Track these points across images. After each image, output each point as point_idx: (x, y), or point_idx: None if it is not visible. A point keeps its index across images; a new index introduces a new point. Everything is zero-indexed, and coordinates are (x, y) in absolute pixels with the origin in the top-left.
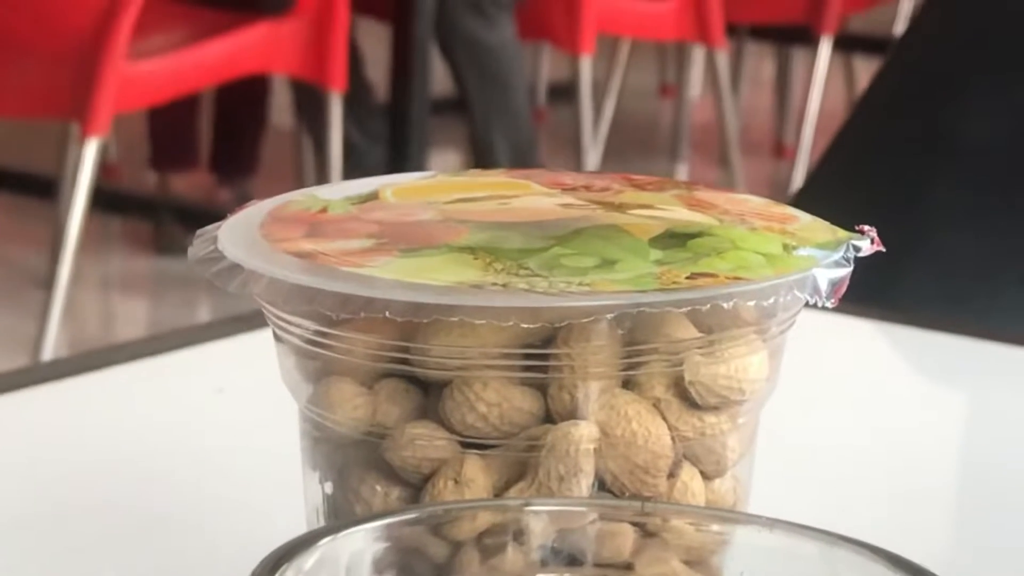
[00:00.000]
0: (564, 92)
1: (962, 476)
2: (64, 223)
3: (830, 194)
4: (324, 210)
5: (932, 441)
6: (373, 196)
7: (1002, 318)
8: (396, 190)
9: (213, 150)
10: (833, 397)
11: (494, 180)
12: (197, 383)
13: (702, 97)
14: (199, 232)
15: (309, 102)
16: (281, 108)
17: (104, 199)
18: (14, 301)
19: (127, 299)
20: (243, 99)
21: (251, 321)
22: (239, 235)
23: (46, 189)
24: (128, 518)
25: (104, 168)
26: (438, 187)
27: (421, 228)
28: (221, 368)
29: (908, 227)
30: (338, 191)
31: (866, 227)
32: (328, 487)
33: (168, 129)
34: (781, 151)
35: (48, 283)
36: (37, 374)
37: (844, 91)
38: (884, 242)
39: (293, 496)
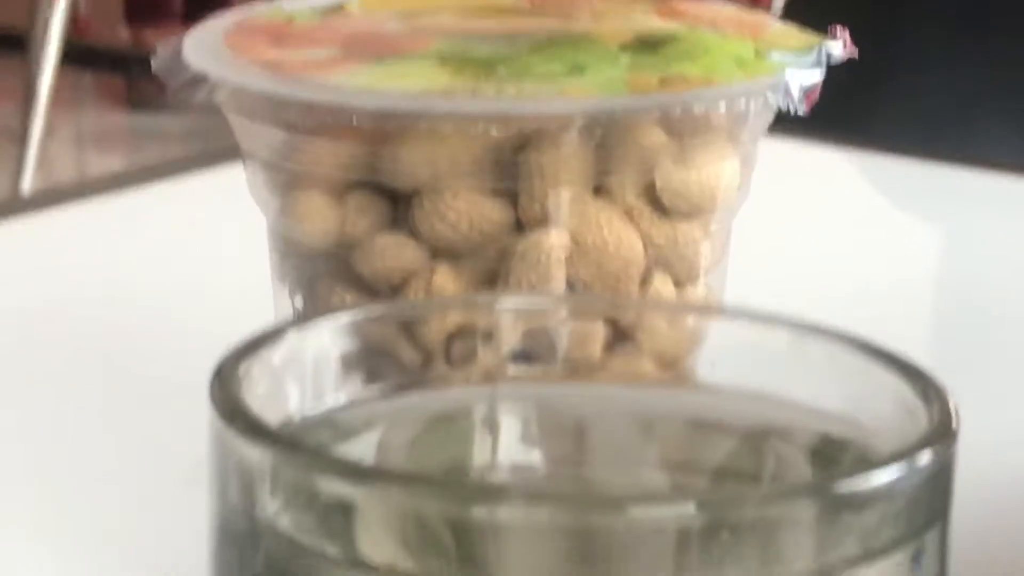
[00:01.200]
0: None
1: (935, 294)
2: (35, 78)
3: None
4: (290, 21)
5: (906, 262)
6: (339, 7)
7: (976, 151)
8: (363, 1)
9: (186, 1)
10: (806, 222)
11: None
12: (170, 216)
13: None
14: (161, 46)
15: None
16: None
17: (75, 54)
18: None
19: (100, 153)
20: None
21: (221, 156)
22: (204, 46)
23: (16, 44)
24: (100, 343)
25: (75, 22)
26: None
27: (388, 38)
28: (193, 202)
29: (881, 62)
30: (304, 2)
31: (839, 28)
32: (298, 300)
33: None
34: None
35: (21, 138)
36: (9, 208)
37: None
38: (859, 78)
39: (268, 319)
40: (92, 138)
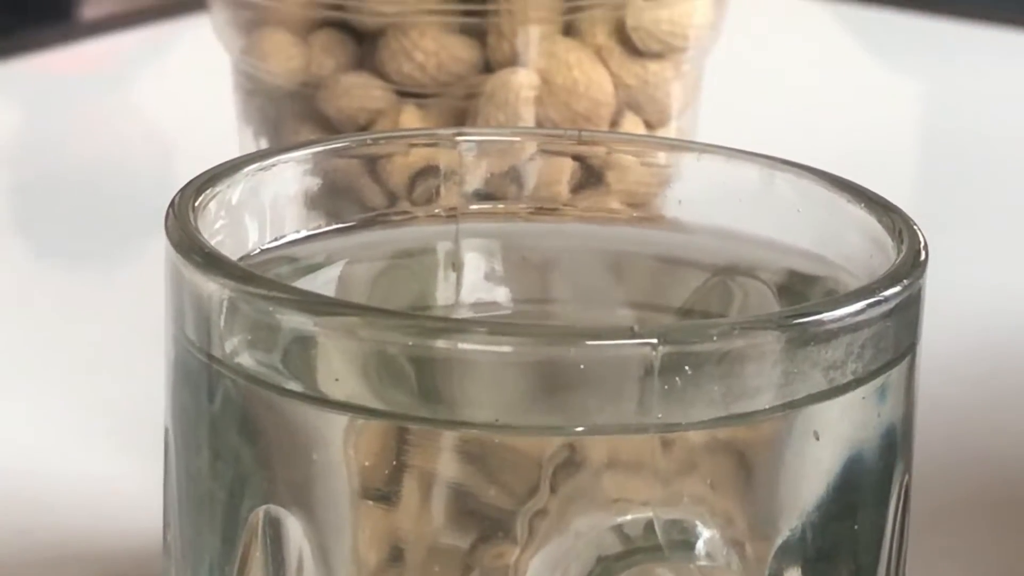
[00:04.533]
0: None
1: (917, 143)
2: None
3: None
4: None
5: (883, 111)
6: None
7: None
8: None
9: None
10: (781, 69)
11: None
12: (136, 61)
13: None
14: None
15: None
16: None
17: None
18: None
19: None
20: None
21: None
22: None
23: None
24: (61, 184)
25: None
26: None
27: None
28: (159, 49)
29: None
30: None
31: None
32: (263, 142)
33: None
34: None
35: None
36: None
37: None
38: None
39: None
40: None
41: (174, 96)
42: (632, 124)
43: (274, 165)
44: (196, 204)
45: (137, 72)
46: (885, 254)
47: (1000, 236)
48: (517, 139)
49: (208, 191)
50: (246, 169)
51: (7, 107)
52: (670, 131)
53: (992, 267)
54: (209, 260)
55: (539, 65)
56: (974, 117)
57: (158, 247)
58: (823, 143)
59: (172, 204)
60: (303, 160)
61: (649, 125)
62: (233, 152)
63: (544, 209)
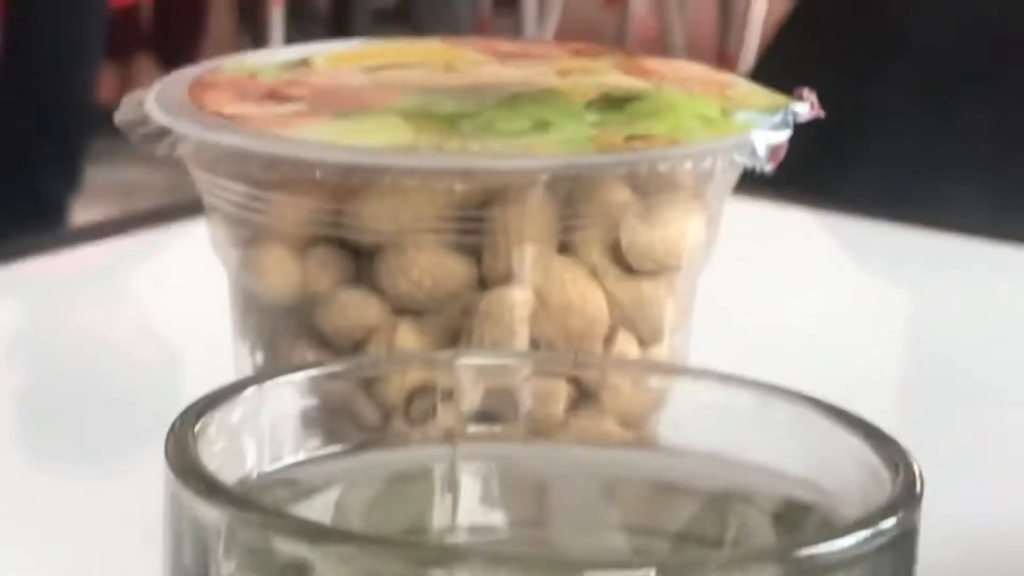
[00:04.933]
0: (508, 1)
1: (901, 356)
2: None
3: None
4: (254, 76)
5: (872, 324)
6: (304, 63)
7: (942, 214)
8: (328, 56)
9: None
10: (773, 283)
11: (428, 47)
12: (132, 271)
13: (647, 7)
14: (126, 98)
15: (249, 8)
16: (221, 14)
17: None
18: None
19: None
20: (182, 6)
21: (186, 210)
22: (167, 99)
23: None
24: (59, 394)
25: None
26: (371, 54)
27: (353, 93)
28: (157, 255)
29: (852, 126)
30: (268, 57)
31: (805, 90)
32: (259, 357)
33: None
34: (725, 60)
35: None
36: None
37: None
38: (827, 142)
39: (228, 376)
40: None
41: (169, 300)
42: (626, 342)
43: (272, 388)
44: (195, 429)
45: (132, 276)
46: (880, 484)
47: (989, 454)
48: (513, 362)
49: (207, 415)
50: (245, 392)
51: (2, 311)
52: (663, 348)
53: (979, 481)
54: (208, 486)
55: (534, 283)
56: (962, 329)
57: (153, 453)
58: (814, 356)
59: (172, 429)
60: (301, 383)
61: (643, 343)
62: (228, 363)
63: (540, 432)
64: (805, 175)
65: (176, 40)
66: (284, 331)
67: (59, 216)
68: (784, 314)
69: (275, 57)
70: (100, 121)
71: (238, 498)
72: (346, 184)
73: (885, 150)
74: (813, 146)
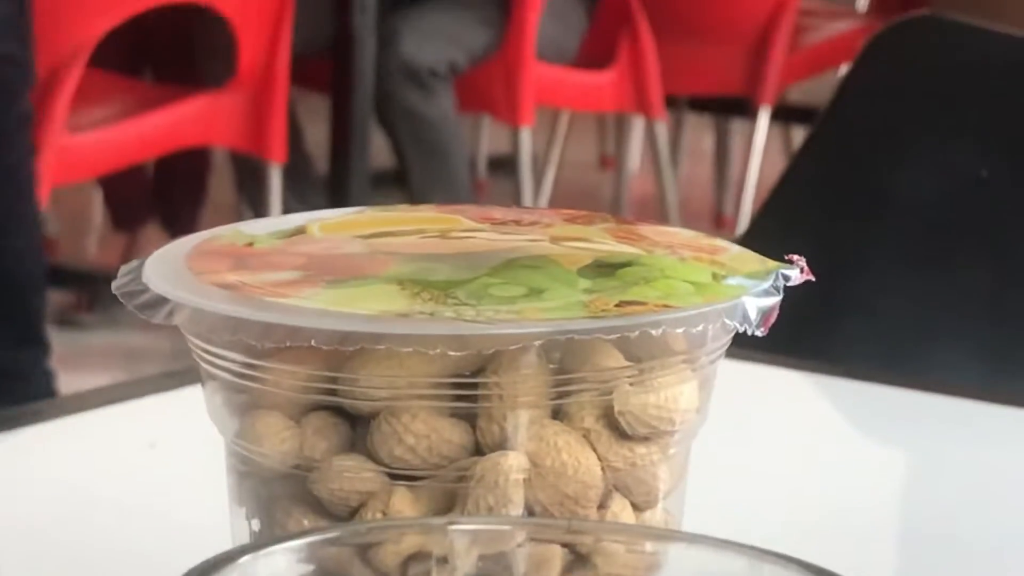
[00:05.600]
0: (504, 164)
1: (894, 517)
2: None
3: (764, 252)
4: (250, 244)
5: (866, 485)
6: (300, 231)
7: (935, 375)
8: (323, 225)
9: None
10: (767, 444)
11: (423, 215)
12: (129, 438)
13: (642, 169)
14: (124, 267)
15: (249, 174)
16: (221, 180)
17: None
18: None
19: (67, 374)
20: (182, 172)
21: (183, 377)
22: (165, 268)
23: None
24: (57, 563)
25: (44, 242)
26: (366, 222)
27: (348, 260)
28: (153, 423)
29: (843, 287)
30: (264, 226)
31: (795, 256)
32: (255, 523)
33: (123, 187)
34: (721, 222)
35: None
36: None
37: (783, 161)
38: (819, 303)
39: (224, 543)
40: (58, 358)
41: (166, 466)
42: (620, 506)
43: (268, 555)
44: None
45: (129, 442)
46: None
47: None
48: (507, 528)
49: None
50: (241, 560)
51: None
52: (657, 512)
53: None
54: None
55: (528, 448)
56: (957, 490)
57: None
58: (809, 517)
59: None
60: (297, 549)
61: (637, 507)
62: (225, 529)
63: None
64: (797, 333)
65: (178, 207)
66: (280, 497)
67: (23, 384)
68: (778, 476)
69: (272, 225)
70: (101, 287)
71: None
72: (341, 351)
73: (878, 309)
74: (805, 304)
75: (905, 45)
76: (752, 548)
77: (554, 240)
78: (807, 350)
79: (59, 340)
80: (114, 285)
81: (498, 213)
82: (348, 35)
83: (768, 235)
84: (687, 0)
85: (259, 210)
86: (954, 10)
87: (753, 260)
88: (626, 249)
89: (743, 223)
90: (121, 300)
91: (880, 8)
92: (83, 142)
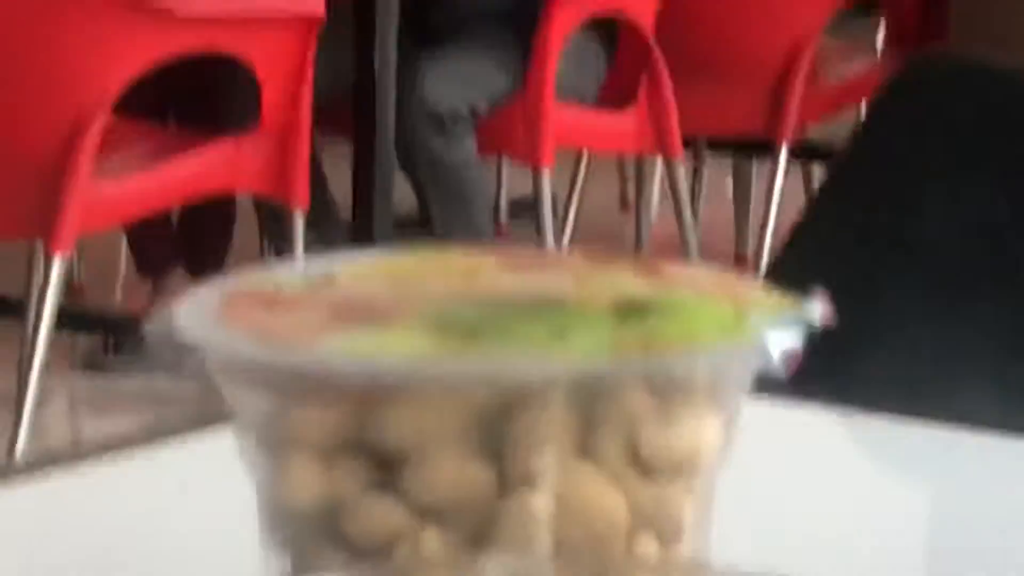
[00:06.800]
0: (525, 207)
1: (918, 555)
2: (29, 343)
3: (785, 291)
4: (280, 289)
5: (890, 522)
6: (327, 276)
7: (960, 414)
8: (351, 270)
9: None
10: (790, 481)
11: (448, 259)
12: (159, 481)
13: (662, 210)
14: (154, 313)
15: (273, 220)
16: (245, 225)
17: (70, 318)
18: None
19: (94, 418)
20: (207, 218)
21: (212, 420)
22: (196, 314)
23: (13, 310)
24: None
25: (70, 288)
26: (393, 266)
27: (375, 305)
28: (183, 466)
29: (864, 326)
30: (294, 272)
31: (818, 294)
32: (287, 563)
33: (147, 233)
34: (742, 263)
35: (15, 404)
36: (1, 474)
37: (803, 201)
38: (840, 342)
39: None
40: (85, 402)
41: (198, 509)
42: (646, 542)
43: None
44: None
45: (159, 485)
46: None
47: None
48: (535, 568)
49: None
50: None
51: (29, 529)
52: (684, 548)
53: None
54: None
55: (555, 487)
56: (980, 525)
57: None
58: (832, 553)
59: None
60: None
61: (663, 543)
62: (258, 571)
63: None
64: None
65: (203, 253)
66: (311, 537)
67: None
68: (801, 512)
69: (300, 271)
70: (127, 331)
71: None
72: (370, 394)
73: (898, 346)
74: (827, 343)
75: (923, 84)
76: None
77: (578, 281)
78: (827, 387)
79: (85, 384)
80: (146, 330)
81: (522, 256)
82: (369, 81)
83: (789, 275)
84: (706, 41)
85: (283, 255)
86: (969, 41)
87: (776, 299)
88: (650, 288)
89: (763, 263)
90: (153, 345)
91: (897, 42)
92: (109, 191)
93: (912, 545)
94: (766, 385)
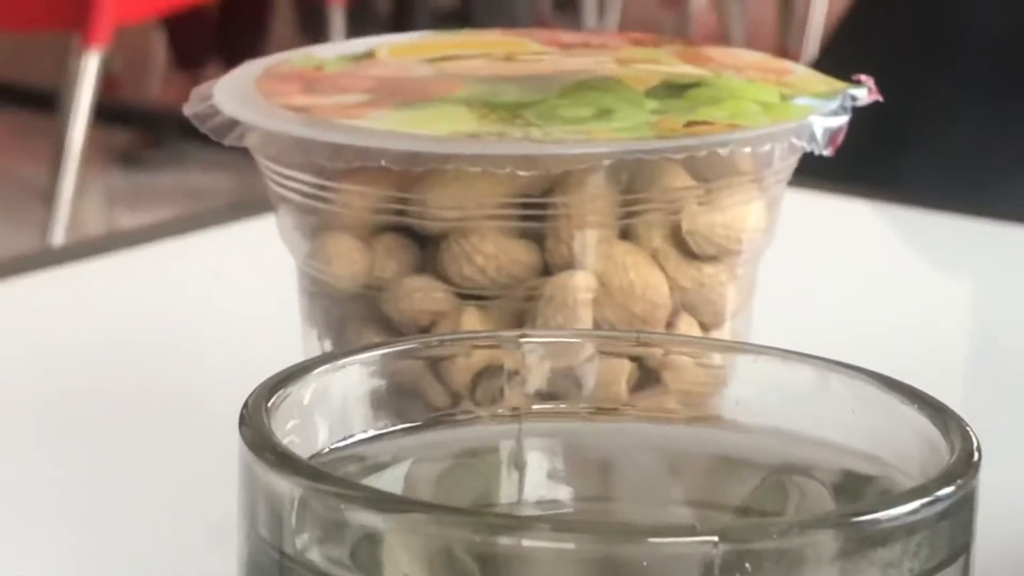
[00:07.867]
0: (568, 1)
1: (960, 341)
2: (66, 137)
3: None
4: (320, 67)
5: (931, 311)
6: (369, 54)
7: (1001, 203)
8: (392, 48)
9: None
10: (833, 269)
11: (491, 39)
12: (199, 265)
13: (706, 7)
14: (195, 91)
15: (311, 15)
16: (283, 21)
17: (107, 111)
18: (17, 216)
19: (130, 213)
20: (246, 11)
21: (247, 209)
22: (235, 91)
23: (47, 103)
24: (131, 389)
25: (107, 80)
26: (434, 45)
27: (416, 83)
28: (219, 253)
29: (909, 115)
30: (334, 50)
31: (864, 76)
32: (327, 344)
33: (187, 24)
34: (785, 57)
35: (50, 197)
36: (39, 260)
37: None
38: (884, 129)
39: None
40: (122, 197)
41: (238, 292)
42: (687, 325)
43: (342, 367)
44: (269, 405)
45: (197, 270)
46: (938, 455)
47: None
48: (577, 341)
49: (280, 392)
50: (316, 371)
51: (67, 312)
52: (724, 332)
53: None
54: (281, 459)
55: (596, 268)
56: (1019, 314)
57: (222, 447)
58: (873, 342)
59: (246, 405)
60: (370, 362)
61: (704, 326)
62: (298, 352)
63: (603, 409)
64: (862, 161)
65: (240, 46)
66: (351, 318)
67: None
68: (844, 301)
69: (340, 50)
70: (165, 125)
71: (311, 469)
72: (411, 172)
73: (945, 138)
74: (871, 132)
75: None
76: (820, 359)
77: (621, 63)
78: (873, 179)
79: (122, 179)
80: (185, 108)
81: (565, 37)
82: None
83: (835, 65)
84: None
85: None
86: None
87: (821, 81)
88: (694, 71)
89: (807, 58)
90: (193, 123)
91: None
92: None
93: (953, 330)
94: (810, 174)
